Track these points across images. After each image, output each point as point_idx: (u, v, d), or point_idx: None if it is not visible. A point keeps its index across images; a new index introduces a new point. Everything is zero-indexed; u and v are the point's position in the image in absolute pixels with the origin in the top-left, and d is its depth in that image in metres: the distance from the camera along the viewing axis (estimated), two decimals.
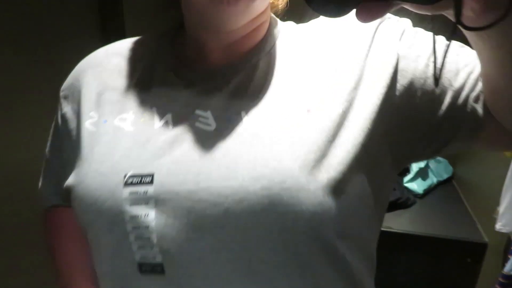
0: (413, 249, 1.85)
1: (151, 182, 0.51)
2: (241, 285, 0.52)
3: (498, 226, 1.45)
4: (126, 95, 0.62)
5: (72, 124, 0.64)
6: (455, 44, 0.56)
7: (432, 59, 0.54)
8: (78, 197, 0.55)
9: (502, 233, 1.43)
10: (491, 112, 0.51)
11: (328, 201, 0.50)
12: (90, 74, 0.66)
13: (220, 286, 0.52)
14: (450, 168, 2.28)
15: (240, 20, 0.55)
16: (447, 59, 0.54)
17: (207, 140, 0.54)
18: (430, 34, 0.55)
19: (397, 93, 0.54)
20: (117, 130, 0.58)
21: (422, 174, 2.13)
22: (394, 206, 1.95)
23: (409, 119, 0.55)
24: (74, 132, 0.64)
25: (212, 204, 0.50)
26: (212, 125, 0.55)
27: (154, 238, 0.51)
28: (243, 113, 0.55)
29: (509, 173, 1.40)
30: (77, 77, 0.68)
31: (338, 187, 0.51)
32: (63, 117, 0.67)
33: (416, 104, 0.54)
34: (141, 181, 0.52)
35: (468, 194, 2.07)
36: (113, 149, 0.56)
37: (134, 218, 0.51)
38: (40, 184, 0.75)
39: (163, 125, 0.57)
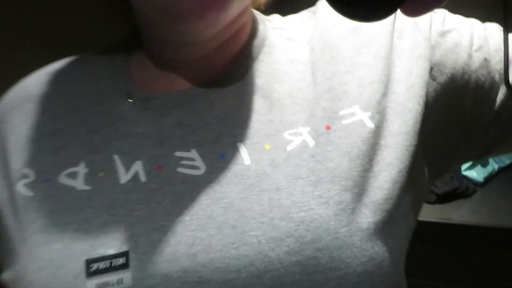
0: (477, 241, 1.76)
1: (126, 265, 0.37)
2: None
3: None
4: (71, 139, 0.46)
5: None
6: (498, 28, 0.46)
7: (475, 47, 0.44)
8: None
9: None
10: None
11: (379, 253, 0.39)
12: (17, 114, 0.48)
13: None
14: None
15: (210, 31, 0.42)
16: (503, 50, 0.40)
17: (196, 190, 0.40)
18: (464, 18, 0.46)
19: (434, 93, 0.45)
20: (66, 192, 0.42)
21: (482, 161, 2.00)
22: (453, 196, 1.86)
23: (447, 123, 0.46)
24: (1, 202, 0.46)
25: (220, 285, 0.36)
26: (200, 167, 0.41)
27: None
28: (239, 145, 0.42)
29: None
30: None
31: (387, 231, 0.40)
32: None
33: (456, 105, 0.46)
34: (111, 265, 0.37)
35: None
36: (61, 222, 0.40)
37: None
38: None
39: (132, 179, 0.42)
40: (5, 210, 0.45)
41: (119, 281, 0.37)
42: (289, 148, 0.41)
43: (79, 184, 0.42)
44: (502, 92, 0.45)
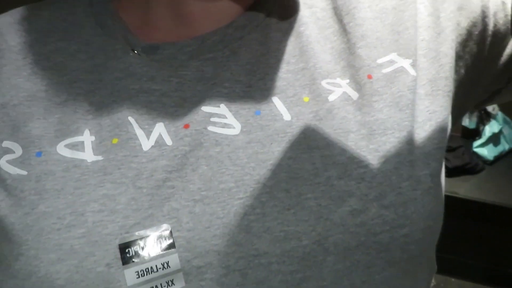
0: (480, 217, 1.80)
1: (172, 245, 0.31)
2: None
3: None
4: (64, 103, 0.37)
5: None
6: None
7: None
8: None
9: None
10: None
11: (437, 206, 0.38)
12: None
13: None
14: None
15: None
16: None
17: (235, 152, 0.35)
18: None
19: (460, 38, 0.42)
20: (73, 167, 0.34)
21: (494, 139, 2.00)
22: (462, 171, 1.87)
23: (466, 68, 0.44)
24: None
25: (279, 256, 0.32)
26: (235, 126, 0.35)
27: None
28: (274, 99, 0.37)
29: None
30: None
31: (438, 183, 0.38)
32: None
33: (476, 50, 0.44)
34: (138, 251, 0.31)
35: None
36: (76, 203, 0.33)
37: None
38: None
39: (155, 144, 0.35)
40: None
41: (165, 265, 0.31)
42: (331, 98, 0.37)
43: (88, 155, 0.34)
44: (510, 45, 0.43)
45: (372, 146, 0.36)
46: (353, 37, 0.40)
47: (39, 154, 0.35)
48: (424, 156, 0.37)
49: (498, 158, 2.01)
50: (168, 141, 0.35)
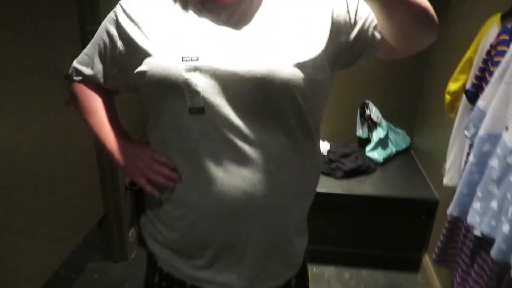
0: (375, 210, 2.03)
1: (197, 59, 0.78)
2: (245, 118, 0.80)
3: (445, 180, 1.62)
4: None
5: (133, 32, 0.85)
6: (362, 2, 0.82)
7: (349, 8, 0.83)
8: (153, 74, 0.79)
9: (451, 191, 1.60)
10: (384, 37, 0.82)
11: (297, 73, 0.79)
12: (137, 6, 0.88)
13: (235, 121, 0.79)
14: (408, 139, 2.47)
15: None
16: (359, 8, 0.83)
17: (234, 42, 0.81)
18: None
19: (332, 25, 0.83)
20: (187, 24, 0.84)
21: (382, 144, 2.31)
22: (357, 172, 2.12)
23: (338, 39, 0.84)
24: (136, 38, 0.84)
25: (231, 73, 0.77)
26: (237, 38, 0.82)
27: (200, 91, 0.78)
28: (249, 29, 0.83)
29: (453, 133, 1.58)
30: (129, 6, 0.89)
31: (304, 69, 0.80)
32: (119, 25, 0.87)
33: (341, 31, 0.83)
34: (191, 59, 0.78)
35: (423, 161, 2.26)
36: (174, 42, 0.82)
37: (188, 79, 0.78)
38: (77, 62, 0.96)
39: (209, 25, 0.83)
40: (131, 30, 0.85)
41: (194, 65, 0.78)
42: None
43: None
44: (359, 25, 0.82)
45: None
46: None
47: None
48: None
49: (387, 160, 2.31)
50: (214, 30, 0.84)
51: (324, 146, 2.31)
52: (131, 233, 2.16)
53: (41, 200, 1.52)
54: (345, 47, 0.84)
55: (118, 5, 0.88)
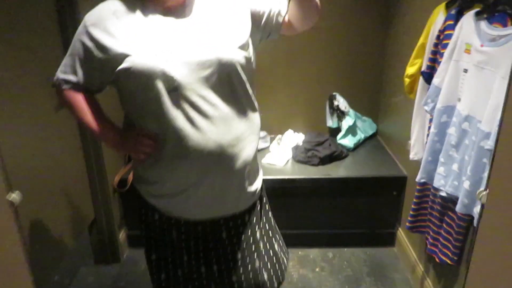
0: (351, 191, 2.19)
1: (169, 52, 1.04)
2: (208, 90, 1.07)
3: (411, 155, 1.81)
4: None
5: (107, 41, 1.05)
6: None
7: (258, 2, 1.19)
8: (136, 69, 1.02)
9: (417, 165, 1.77)
10: (290, 20, 1.20)
11: (240, 53, 1.11)
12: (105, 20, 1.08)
13: (200, 92, 1.06)
14: (375, 126, 2.67)
15: None
16: (265, 2, 1.19)
17: (191, 35, 1.09)
18: None
19: (251, 16, 1.17)
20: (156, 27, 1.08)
21: (352, 131, 2.48)
22: (331, 158, 2.28)
23: (255, 26, 1.18)
24: (113, 46, 1.05)
25: (196, 59, 1.05)
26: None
27: (173, 76, 1.03)
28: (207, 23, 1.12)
29: (414, 111, 1.77)
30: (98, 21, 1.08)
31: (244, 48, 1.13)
32: (92, 37, 1.06)
33: (256, 20, 1.18)
34: (163, 53, 1.03)
35: (390, 143, 2.46)
36: (146, 41, 1.05)
37: (163, 69, 1.02)
38: (61, 73, 1.14)
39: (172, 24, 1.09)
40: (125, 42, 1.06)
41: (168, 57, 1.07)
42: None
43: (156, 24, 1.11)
44: (266, 12, 1.18)
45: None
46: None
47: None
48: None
49: (357, 145, 2.49)
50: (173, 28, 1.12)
51: (299, 137, 2.47)
52: (121, 235, 2.21)
53: (31, 208, 1.56)
54: (259, 31, 1.20)
55: (85, 20, 1.08)
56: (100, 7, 1.09)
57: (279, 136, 2.52)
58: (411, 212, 1.71)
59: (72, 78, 1.13)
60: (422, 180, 1.57)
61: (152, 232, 1.26)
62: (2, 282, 0.96)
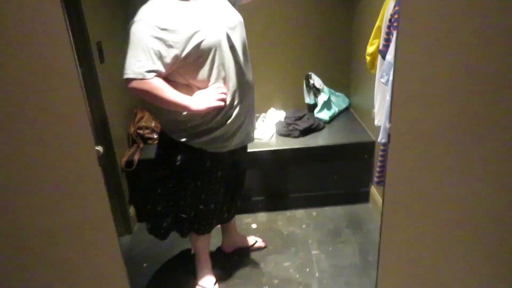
0: (328, 157, 2.52)
1: (222, 25, 1.62)
2: (240, 49, 1.68)
3: (376, 121, 2.13)
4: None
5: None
6: None
7: None
8: (208, 40, 1.55)
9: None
10: None
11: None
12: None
13: (239, 47, 1.68)
14: (347, 100, 2.99)
15: None
16: None
17: (221, 11, 1.67)
18: None
19: None
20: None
21: (327, 106, 2.80)
22: (310, 130, 2.60)
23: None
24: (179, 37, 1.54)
25: (233, 26, 1.66)
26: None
27: (232, 37, 1.64)
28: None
29: (375, 84, 2.08)
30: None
31: None
32: (159, 37, 1.51)
33: None
34: (220, 26, 1.61)
35: (360, 115, 2.78)
36: (201, 20, 1.59)
37: (226, 36, 1.61)
38: (140, 68, 1.51)
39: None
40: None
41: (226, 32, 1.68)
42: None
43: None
44: None
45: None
46: None
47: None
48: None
49: (332, 118, 2.81)
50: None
51: (281, 114, 2.78)
52: (131, 210, 2.51)
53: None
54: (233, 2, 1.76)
55: (148, 21, 1.49)
56: (151, 6, 1.52)
57: (263, 114, 2.83)
58: (377, 169, 2.04)
59: (156, 67, 1.51)
60: (383, 140, 1.90)
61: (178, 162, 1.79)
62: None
